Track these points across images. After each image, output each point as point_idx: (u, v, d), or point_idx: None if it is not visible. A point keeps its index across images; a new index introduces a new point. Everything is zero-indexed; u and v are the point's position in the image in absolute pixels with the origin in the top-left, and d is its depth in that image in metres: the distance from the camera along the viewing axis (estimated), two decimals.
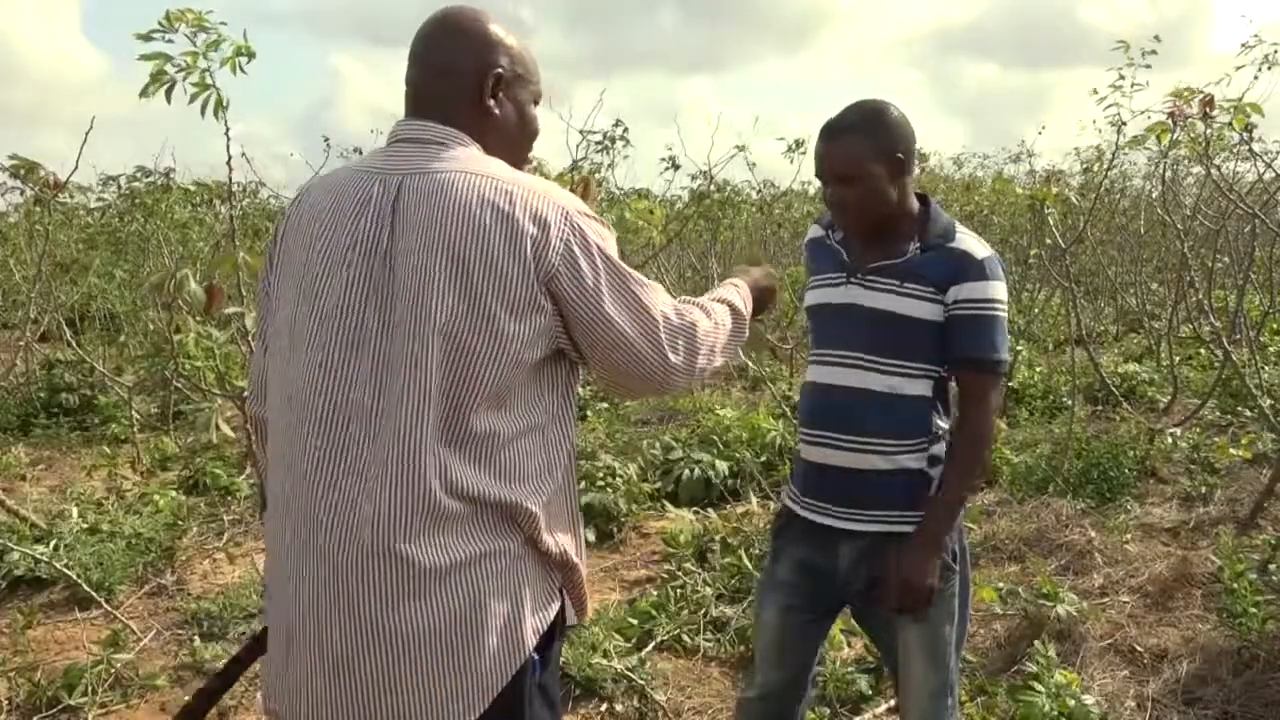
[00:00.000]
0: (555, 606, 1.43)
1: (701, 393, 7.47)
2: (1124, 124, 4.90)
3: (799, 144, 8.13)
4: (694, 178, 8.86)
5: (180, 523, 4.54)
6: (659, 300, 1.47)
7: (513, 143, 1.51)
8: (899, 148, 1.89)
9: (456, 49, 1.46)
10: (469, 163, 1.38)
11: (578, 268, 1.35)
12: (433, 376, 1.29)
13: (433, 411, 1.29)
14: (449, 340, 1.29)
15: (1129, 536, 4.20)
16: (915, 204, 1.95)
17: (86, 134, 4.43)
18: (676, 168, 8.18)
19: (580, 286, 1.36)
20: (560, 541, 1.43)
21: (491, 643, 1.33)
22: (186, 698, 3.14)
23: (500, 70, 1.46)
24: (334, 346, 1.33)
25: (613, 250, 1.42)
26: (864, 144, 1.87)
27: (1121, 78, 4.68)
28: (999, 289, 1.88)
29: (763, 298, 1.81)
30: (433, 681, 1.31)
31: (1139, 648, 3.28)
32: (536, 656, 1.39)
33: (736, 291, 1.71)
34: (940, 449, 1.95)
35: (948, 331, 1.88)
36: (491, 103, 1.46)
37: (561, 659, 3.14)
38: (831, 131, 1.91)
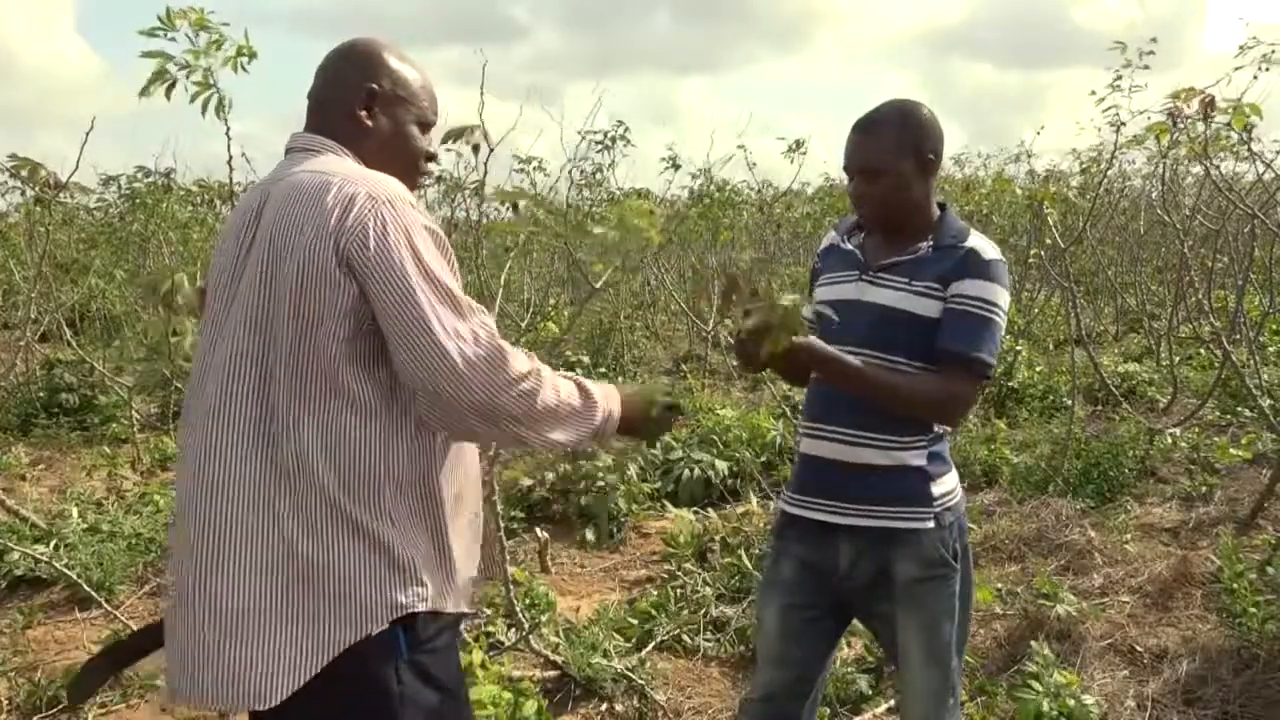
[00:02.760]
0: (413, 588, 1.44)
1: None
2: (1123, 124, 4.91)
3: (799, 144, 8.13)
4: (694, 177, 8.88)
5: None
6: (477, 312, 1.43)
7: (390, 157, 1.60)
8: (928, 147, 1.91)
9: (344, 67, 1.60)
10: (321, 164, 1.49)
11: (366, 238, 1.38)
12: (252, 362, 1.41)
13: (251, 407, 1.40)
14: (262, 328, 1.41)
15: (1129, 536, 4.20)
16: (935, 209, 1.97)
17: (87, 134, 4.44)
18: (676, 168, 8.20)
19: (364, 254, 1.37)
20: (408, 534, 1.45)
21: (326, 609, 1.38)
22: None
23: (375, 87, 1.58)
24: (206, 339, 1.49)
25: (425, 243, 1.42)
26: (894, 139, 1.89)
27: (1119, 78, 4.68)
28: (999, 293, 1.87)
29: (635, 417, 1.66)
30: (267, 632, 1.37)
31: (1139, 648, 3.28)
32: (402, 634, 1.42)
33: (603, 389, 1.60)
34: (942, 447, 1.95)
35: (940, 323, 1.87)
36: (363, 114, 1.58)
37: (561, 659, 3.16)
38: (864, 125, 1.93)
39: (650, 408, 1.70)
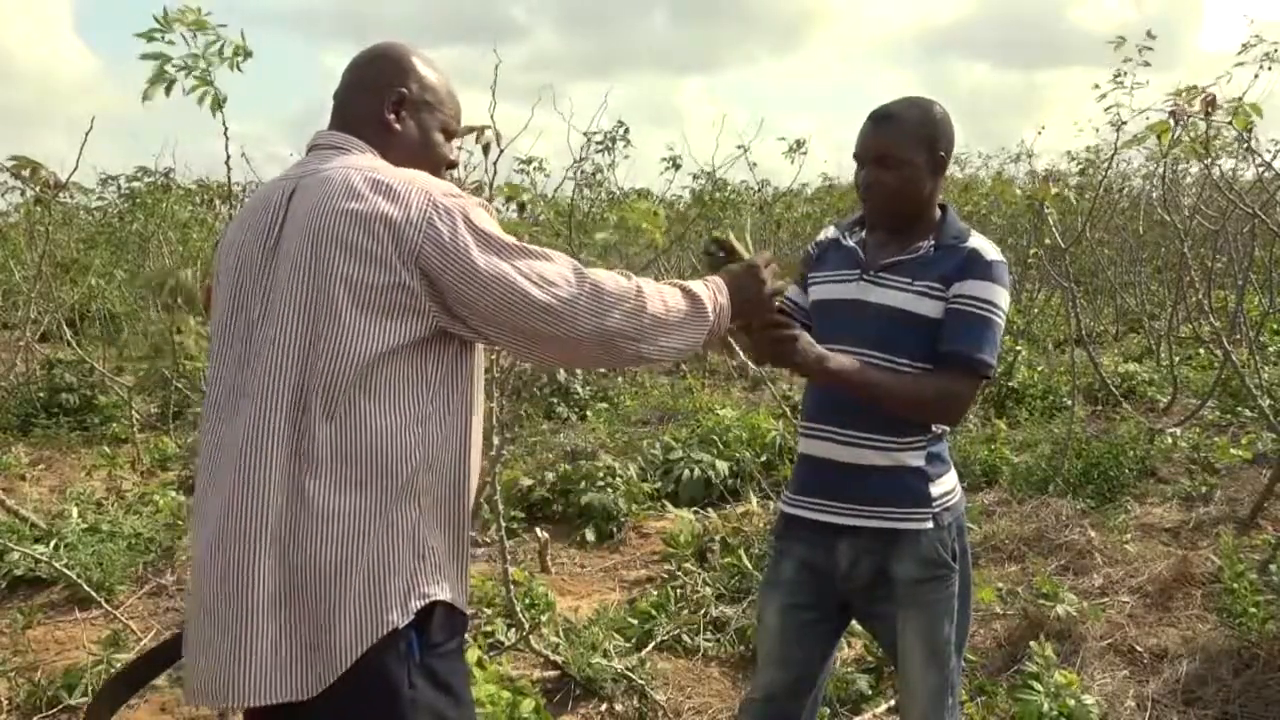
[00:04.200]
0: (436, 576, 1.45)
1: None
2: (1124, 123, 4.93)
3: (799, 144, 8.13)
4: (695, 177, 8.89)
5: (180, 523, 4.54)
6: (555, 257, 1.48)
7: (415, 161, 1.60)
8: (941, 145, 1.92)
9: (373, 70, 1.61)
10: (355, 160, 1.50)
11: (439, 235, 1.40)
12: (291, 359, 1.40)
13: (290, 393, 1.39)
14: (304, 316, 1.40)
15: (1129, 536, 4.20)
16: (937, 210, 1.98)
17: (86, 134, 4.44)
18: (677, 168, 8.21)
19: (443, 250, 1.40)
20: (433, 537, 1.46)
21: (348, 608, 1.37)
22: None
23: (404, 91, 1.59)
24: (229, 332, 1.48)
25: (485, 221, 1.45)
26: (911, 131, 1.89)
27: (1121, 75, 4.69)
28: (1000, 294, 1.87)
29: (745, 297, 1.69)
30: (289, 632, 1.36)
31: (1139, 648, 3.28)
32: (415, 636, 1.42)
33: (707, 285, 1.64)
34: (941, 447, 1.95)
35: (941, 324, 1.87)
36: (392, 118, 1.59)
37: (561, 659, 3.16)
38: (880, 116, 1.92)
39: (742, 280, 1.70)
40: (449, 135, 1.66)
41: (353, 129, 1.58)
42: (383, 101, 1.58)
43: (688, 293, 1.60)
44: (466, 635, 2.89)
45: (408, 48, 1.64)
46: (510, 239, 1.46)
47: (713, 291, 1.63)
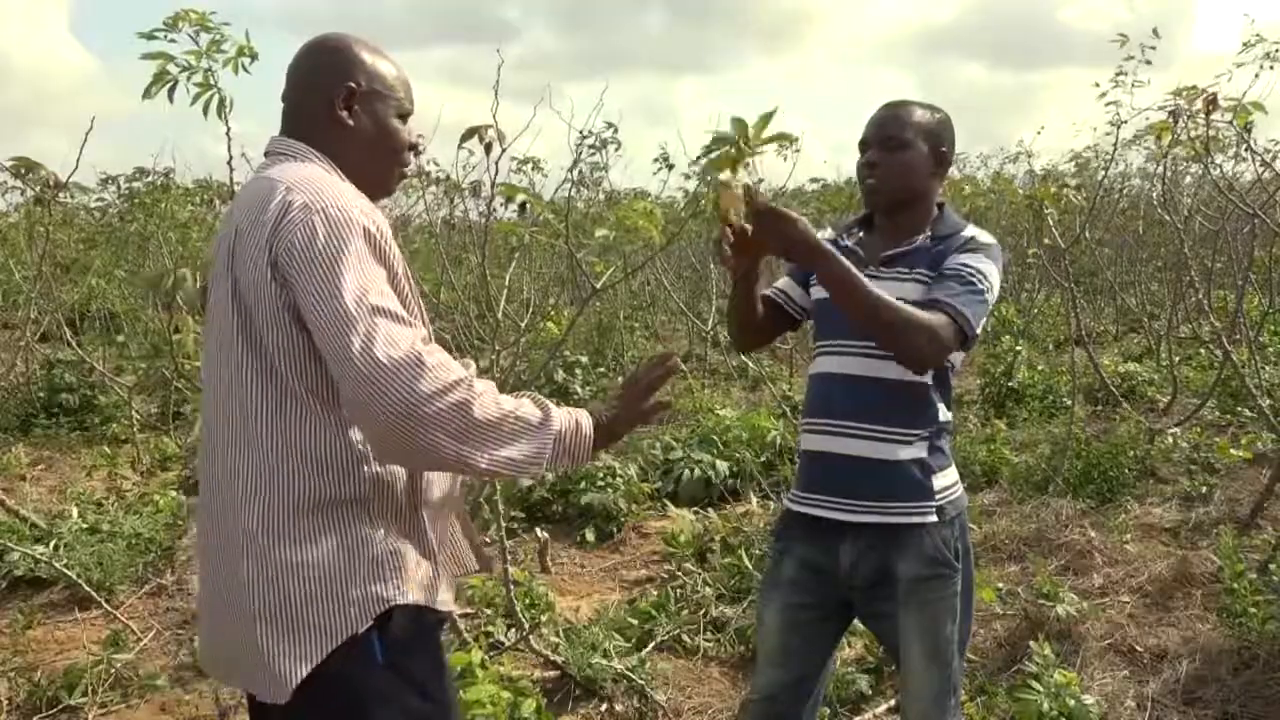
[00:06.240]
0: (394, 581, 1.44)
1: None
2: (1124, 123, 4.93)
3: (791, 140, 8.12)
4: (689, 177, 8.86)
5: (180, 523, 4.54)
6: (413, 322, 1.37)
7: (375, 152, 1.59)
8: (944, 142, 1.99)
9: (315, 68, 1.58)
10: (281, 170, 1.49)
11: (293, 238, 1.36)
12: (231, 364, 1.43)
13: (234, 395, 1.43)
14: (231, 333, 1.43)
15: (1129, 536, 4.20)
16: (935, 208, 2.01)
17: (86, 134, 4.44)
18: (670, 167, 8.18)
19: (290, 258, 1.35)
20: (394, 542, 1.46)
21: (305, 617, 1.39)
22: (187, 697, 3.15)
23: (353, 85, 1.56)
24: (205, 339, 1.54)
25: (356, 245, 1.36)
26: (915, 121, 1.97)
27: (1121, 74, 4.70)
28: (990, 268, 1.89)
29: (616, 430, 1.53)
30: (256, 632, 1.39)
31: (1139, 648, 3.28)
32: (377, 639, 1.42)
33: (570, 412, 1.46)
34: (944, 441, 1.96)
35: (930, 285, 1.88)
36: (345, 114, 1.56)
37: (561, 659, 3.16)
38: (889, 104, 2.01)
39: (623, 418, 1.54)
40: (404, 118, 1.64)
41: (304, 131, 1.56)
42: (333, 99, 1.55)
43: (540, 405, 1.43)
44: (467, 636, 2.89)
45: (349, 38, 1.61)
46: (372, 283, 1.35)
47: (570, 415, 1.46)
